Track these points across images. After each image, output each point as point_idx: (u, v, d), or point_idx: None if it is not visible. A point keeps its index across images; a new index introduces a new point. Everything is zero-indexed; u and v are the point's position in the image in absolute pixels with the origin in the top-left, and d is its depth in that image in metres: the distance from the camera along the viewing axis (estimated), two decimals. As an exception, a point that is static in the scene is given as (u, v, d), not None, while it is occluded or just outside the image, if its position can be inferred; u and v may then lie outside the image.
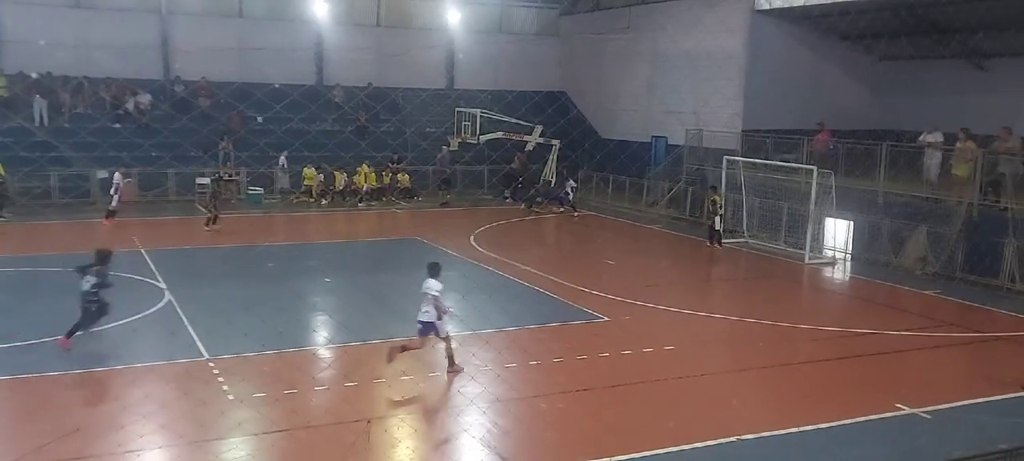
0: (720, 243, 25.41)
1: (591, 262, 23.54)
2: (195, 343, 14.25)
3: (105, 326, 14.38)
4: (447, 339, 13.27)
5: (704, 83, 32.29)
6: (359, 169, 32.79)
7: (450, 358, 13.30)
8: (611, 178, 35.12)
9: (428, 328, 13.09)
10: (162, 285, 18.12)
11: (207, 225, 25.44)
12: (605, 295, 18.52)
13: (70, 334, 13.61)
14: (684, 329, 16.65)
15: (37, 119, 30.88)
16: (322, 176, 32.56)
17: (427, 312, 12.99)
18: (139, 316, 15.77)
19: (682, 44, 33.79)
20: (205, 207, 26.05)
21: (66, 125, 30.86)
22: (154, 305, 16.60)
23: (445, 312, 13.24)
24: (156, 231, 24.10)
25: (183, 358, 13.54)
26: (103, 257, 14.18)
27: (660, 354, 14.85)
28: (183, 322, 15.52)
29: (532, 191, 32.31)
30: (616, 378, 13.49)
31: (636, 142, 36.25)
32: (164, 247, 22.34)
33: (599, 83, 39.10)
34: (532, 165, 35.50)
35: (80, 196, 28.77)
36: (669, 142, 34.69)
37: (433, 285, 13.04)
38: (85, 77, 32.29)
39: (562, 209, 31.91)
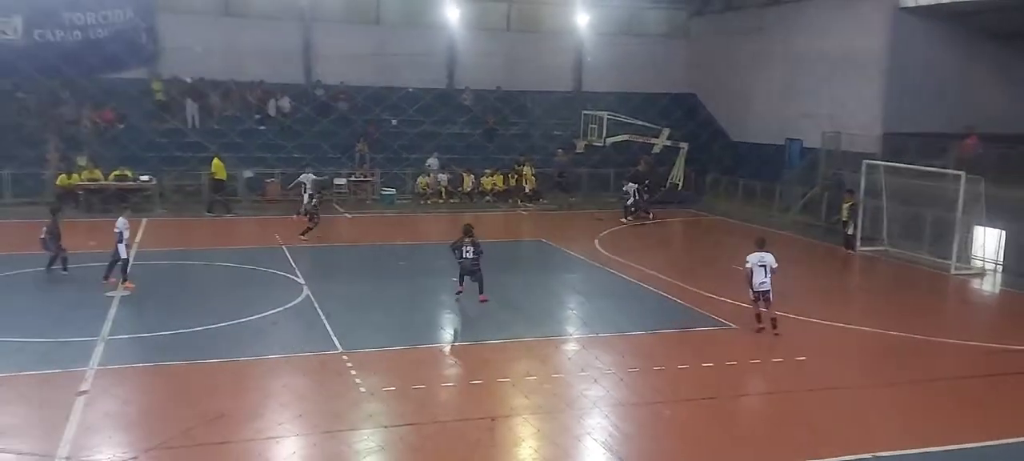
0: (854, 249, 24.39)
1: (719, 268, 23.03)
2: (330, 337, 14.85)
3: (249, 318, 15.25)
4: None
5: (841, 85, 31.11)
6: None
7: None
8: (741, 182, 34.29)
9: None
10: (301, 280, 18.98)
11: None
12: (733, 302, 18.11)
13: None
14: (817, 340, 16.08)
15: (189, 121, 32.97)
16: (448, 177, 33.32)
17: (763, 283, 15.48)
18: (280, 309, 16.59)
19: (818, 45, 32.62)
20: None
21: (215, 127, 32.76)
22: (293, 299, 17.41)
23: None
24: (296, 228, 25.27)
25: (319, 351, 14.14)
26: (468, 230, 17.37)
27: (791, 365, 14.42)
28: (319, 316, 16.20)
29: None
30: (743, 388, 13.21)
31: (769, 145, 35.26)
32: (303, 244, 23.38)
33: (730, 85, 38.25)
34: (659, 168, 35.12)
35: (228, 194, 30.50)
36: (805, 145, 33.58)
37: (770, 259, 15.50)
38: (233, 81, 34.21)
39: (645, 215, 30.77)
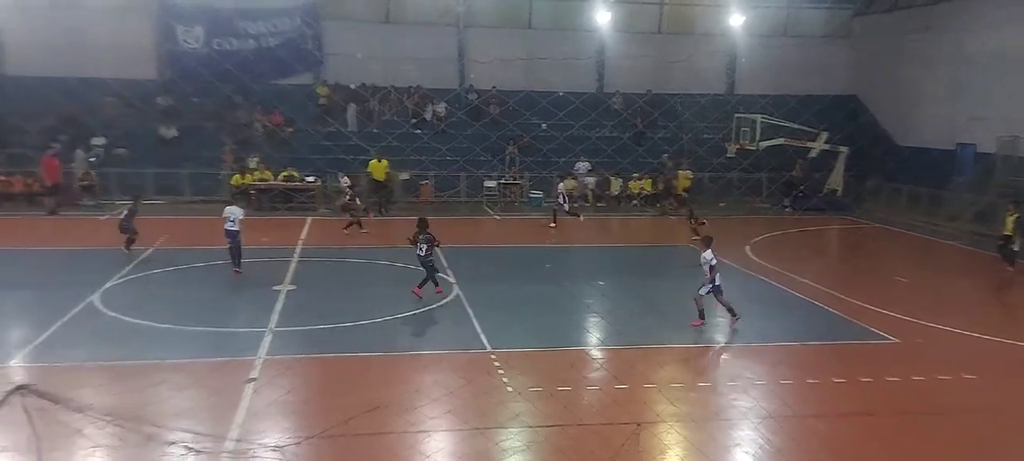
0: (1012, 264, 22.52)
1: (879, 278, 21.98)
2: (479, 336, 15.23)
3: (403, 314, 15.87)
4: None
5: (1018, 85, 28.89)
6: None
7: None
8: (905, 189, 32.49)
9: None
10: (452, 279, 19.54)
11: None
12: (895, 314, 17.23)
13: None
14: (989, 357, 15.06)
15: (350, 124, 34.56)
16: (596, 181, 33.35)
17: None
18: (432, 307, 17.16)
19: (991, 42, 30.47)
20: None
21: (375, 130, 34.16)
22: (444, 298, 17.95)
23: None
24: (449, 229, 26.00)
25: (468, 349, 14.54)
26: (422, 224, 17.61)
27: (958, 383, 13.58)
28: (469, 315, 16.63)
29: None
30: (905, 405, 12.56)
31: (937, 150, 33.24)
32: (455, 244, 24.04)
33: (896, 86, 36.32)
34: (815, 173, 33.80)
35: (387, 195, 31.79)
36: (978, 150, 31.44)
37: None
38: (392, 86, 35.57)
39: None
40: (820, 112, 33.37)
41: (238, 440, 10.41)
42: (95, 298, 16.84)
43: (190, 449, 9.95)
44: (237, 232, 19.10)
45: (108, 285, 17.94)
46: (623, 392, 12.74)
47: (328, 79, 35.83)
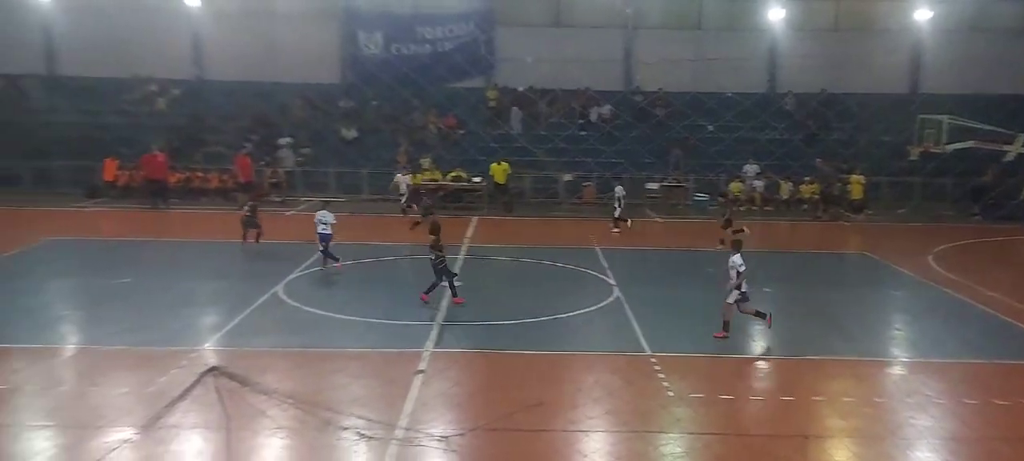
0: None
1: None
2: (639, 338, 15.18)
3: (565, 314, 16.05)
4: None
5: None
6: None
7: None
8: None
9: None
10: (612, 281, 19.55)
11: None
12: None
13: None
14: None
15: (514, 127, 35.22)
16: (764, 184, 32.34)
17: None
18: (592, 308, 17.27)
19: None
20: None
21: (541, 132, 34.66)
22: (604, 299, 18.01)
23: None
24: (608, 231, 26.14)
25: (628, 351, 14.53)
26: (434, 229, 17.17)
27: None
28: (629, 317, 16.60)
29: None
30: (1108, 435, 11.46)
31: None
32: (615, 247, 24.05)
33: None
34: (1008, 179, 31.29)
35: (549, 196, 32.21)
36: None
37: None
38: (560, 89, 35.96)
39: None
40: (1014, 112, 30.86)
41: (407, 428, 10.86)
42: (279, 289, 18.07)
43: (362, 435, 10.51)
44: (330, 235, 19.98)
45: (291, 277, 19.21)
46: (789, 404, 12.36)
47: (497, 82, 36.66)
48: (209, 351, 14.02)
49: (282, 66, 34.64)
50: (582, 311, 16.96)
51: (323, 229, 19.96)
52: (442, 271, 17.14)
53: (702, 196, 32.50)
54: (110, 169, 31.48)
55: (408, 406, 11.68)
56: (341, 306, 16.70)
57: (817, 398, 12.49)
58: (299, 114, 35.78)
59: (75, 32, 35.63)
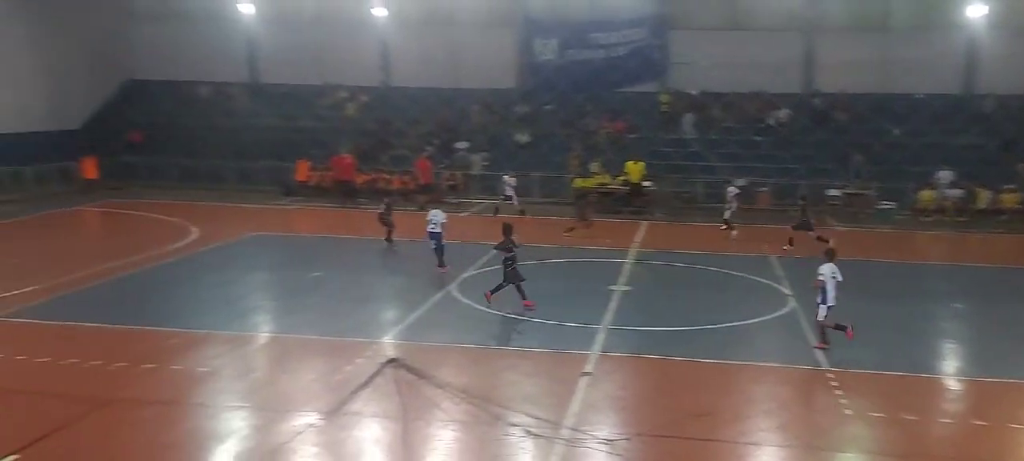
0: None
1: None
2: (814, 351, 14.64)
3: (736, 322, 15.74)
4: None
5: None
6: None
7: None
8: None
9: None
10: (787, 291, 18.92)
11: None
12: None
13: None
14: None
15: (686, 132, 34.73)
16: (959, 193, 30.18)
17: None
18: (765, 318, 16.80)
19: None
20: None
21: (713, 137, 33.99)
22: (779, 309, 17.48)
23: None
24: (782, 240, 25.23)
25: (802, 364, 14.05)
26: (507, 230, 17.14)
27: None
28: (804, 329, 16.02)
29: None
30: None
31: None
32: (792, 255, 23.22)
33: None
34: None
35: (721, 202, 31.47)
36: None
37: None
38: (735, 93, 35.13)
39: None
40: None
41: (573, 429, 11.02)
42: (453, 287, 18.78)
43: (530, 433, 10.80)
44: (440, 234, 20.29)
45: (465, 275, 19.90)
46: (982, 429, 11.52)
47: (671, 87, 36.31)
48: (389, 344, 14.78)
49: (462, 73, 35.94)
50: (754, 320, 16.55)
51: (433, 228, 20.43)
52: (511, 273, 16.97)
53: (888, 204, 30.72)
54: (302, 170, 33.77)
55: (574, 407, 11.84)
56: (511, 306, 17.13)
57: (1015, 425, 11.61)
58: (477, 119, 36.91)
59: (275, 43, 38.55)
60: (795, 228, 23.78)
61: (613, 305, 17.49)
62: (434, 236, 20.53)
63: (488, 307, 16.80)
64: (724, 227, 26.02)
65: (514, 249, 17.01)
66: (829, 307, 14.40)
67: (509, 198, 29.25)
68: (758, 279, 20.18)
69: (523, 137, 35.65)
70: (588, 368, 13.46)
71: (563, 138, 34.97)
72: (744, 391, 12.87)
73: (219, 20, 38.72)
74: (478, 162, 34.34)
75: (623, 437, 10.85)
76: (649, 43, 36.10)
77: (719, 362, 14.15)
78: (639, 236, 25.99)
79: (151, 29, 39.58)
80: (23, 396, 12.02)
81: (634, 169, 31.07)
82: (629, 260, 22.30)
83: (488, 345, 14.80)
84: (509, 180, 29.66)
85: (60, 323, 15.64)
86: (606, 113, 35.75)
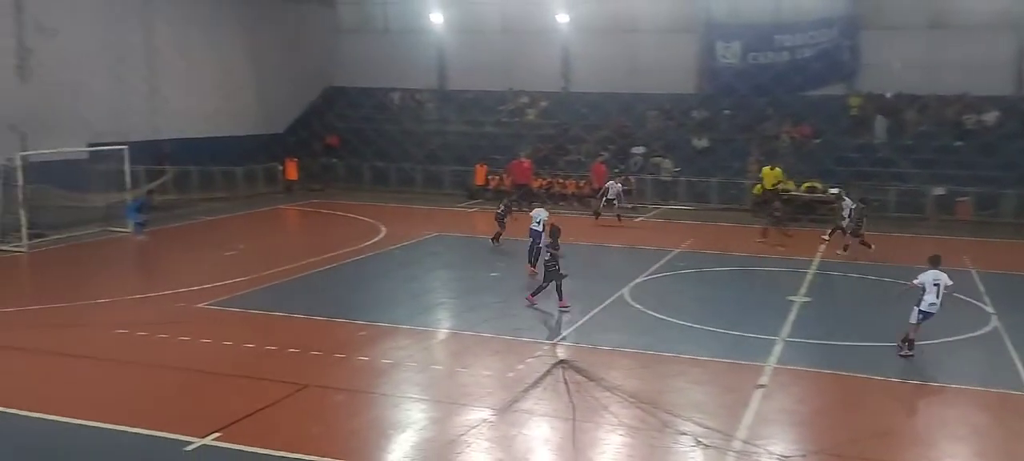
0: None
1: None
2: (1019, 374, 13.58)
3: (926, 341, 14.86)
4: None
5: None
6: None
7: None
8: None
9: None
10: (990, 309, 17.61)
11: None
12: None
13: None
14: None
15: (878, 136, 32.87)
16: None
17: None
18: (961, 337, 15.70)
19: None
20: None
21: (907, 142, 32.01)
22: (979, 328, 16.33)
23: None
24: (989, 253, 23.38)
25: (1003, 387, 13.05)
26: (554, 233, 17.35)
27: None
28: (1008, 350, 14.87)
29: None
30: None
31: None
32: (997, 270, 21.54)
33: None
34: None
35: (915, 211, 29.63)
36: None
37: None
38: (933, 96, 32.92)
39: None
40: None
41: (745, 441, 10.82)
42: (625, 292, 18.83)
43: (700, 442, 10.72)
44: (540, 233, 19.79)
45: (637, 280, 19.90)
46: None
47: (861, 89, 34.56)
48: (560, 345, 15.10)
49: (641, 78, 35.85)
50: (949, 339, 15.44)
51: (535, 226, 20.44)
52: (554, 274, 16.91)
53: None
54: (481, 174, 34.90)
55: (747, 418, 11.63)
56: (684, 312, 17.00)
57: None
58: (654, 124, 36.71)
59: (462, 52, 40.14)
60: (853, 234, 22.88)
61: (792, 316, 16.96)
62: (534, 234, 20.57)
63: (531, 306, 17.21)
64: (826, 237, 24.96)
65: (559, 252, 17.15)
66: (923, 314, 13.97)
67: (613, 202, 28.98)
68: (957, 295, 18.82)
69: (701, 142, 35.06)
70: (763, 380, 13.16)
71: (743, 144, 34.09)
72: (933, 413, 12.19)
73: (413, 32, 40.85)
74: (669, 167, 34.09)
75: (799, 453, 10.56)
76: (838, 44, 34.48)
77: (905, 381, 13.44)
78: (822, 245, 24.95)
79: (352, 40, 42.39)
80: (228, 379, 13.27)
81: (769, 175, 30.09)
82: (811, 270, 21.48)
83: (659, 350, 14.77)
84: (615, 185, 29.44)
85: (264, 312, 17.09)
86: (789, 117, 34.50)
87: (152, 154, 31.28)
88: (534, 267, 19.99)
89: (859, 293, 20.06)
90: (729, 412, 11.89)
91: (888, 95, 33.86)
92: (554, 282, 17.02)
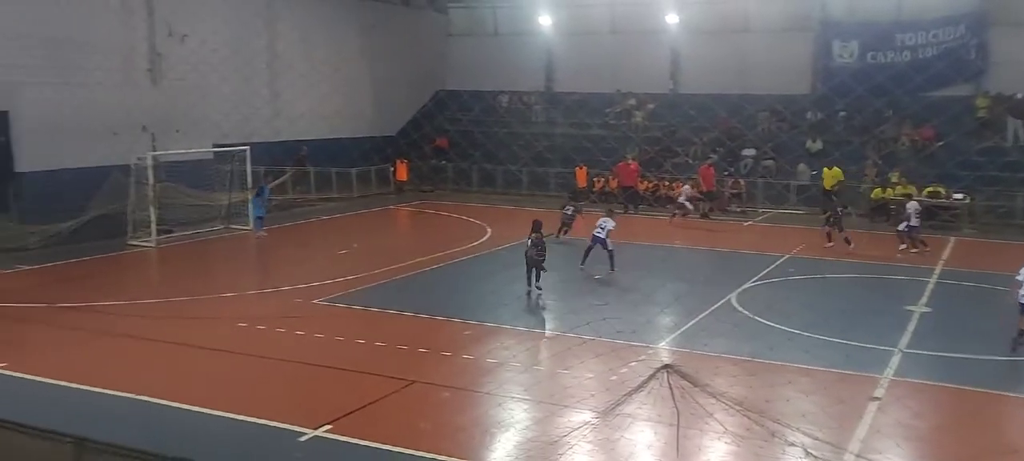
0: None
1: None
2: None
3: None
4: None
5: None
6: None
7: None
8: None
9: None
10: None
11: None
12: None
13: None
14: None
15: (1011, 139, 31.15)
16: None
17: None
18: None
19: None
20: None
21: (1042, 144, 30.29)
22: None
23: None
24: None
25: None
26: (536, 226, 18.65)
27: None
28: None
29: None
30: None
31: None
32: None
33: None
34: None
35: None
36: None
37: None
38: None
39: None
40: None
41: (857, 455, 10.50)
42: (733, 297, 18.49)
43: (809, 454, 10.41)
44: (604, 239, 20.68)
45: (746, 286, 19.52)
46: None
47: (989, 89, 32.82)
48: (664, 349, 14.99)
49: (752, 79, 35.12)
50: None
51: (598, 232, 20.98)
52: (530, 260, 18.34)
53: None
54: (581, 176, 34.91)
55: (860, 431, 11.27)
56: (794, 319, 16.56)
57: None
58: (765, 125, 35.89)
59: (570, 54, 40.33)
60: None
61: (911, 326, 16.30)
62: (597, 239, 20.98)
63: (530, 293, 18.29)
64: (903, 247, 23.83)
65: (542, 243, 18.55)
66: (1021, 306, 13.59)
67: (683, 207, 28.73)
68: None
69: (814, 145, 34.03)
70: (878, 392, 12.72)
71: (858, 146, 32.87)
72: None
73: (522, 35, 41.32)
74: (806, 171, 33.24)
75: (912, 469, 10.20)
76: (964, 42, 32.85)
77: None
78: (946, 253, 23.85)
79: (462, 44, 43.24)
80: (339, 373, 13.74)
81: (829, 176, 29.22)
82: (932, 279, 20.56)
83: (767, 358, 14.42)
84: (687, 189, 29.02)
85: (375, 309, 17.64)
86: (909, 119, 33.08)
87: (290, 154, 33.39)
88: (583, 266, 21.40)
89: (984, 303, 19.06)
90: (841, 424, 11.52)
91: (1020, 96, 32.04)
92: (531, 267, 18.45)
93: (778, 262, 22.20)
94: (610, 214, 22.17)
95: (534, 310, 18.09)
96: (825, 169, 30.27)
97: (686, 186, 29.85)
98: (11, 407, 10.36)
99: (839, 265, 21.91)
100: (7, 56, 24.73)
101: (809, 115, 35.50)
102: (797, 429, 11.10)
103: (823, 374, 13.65)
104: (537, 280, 18.44)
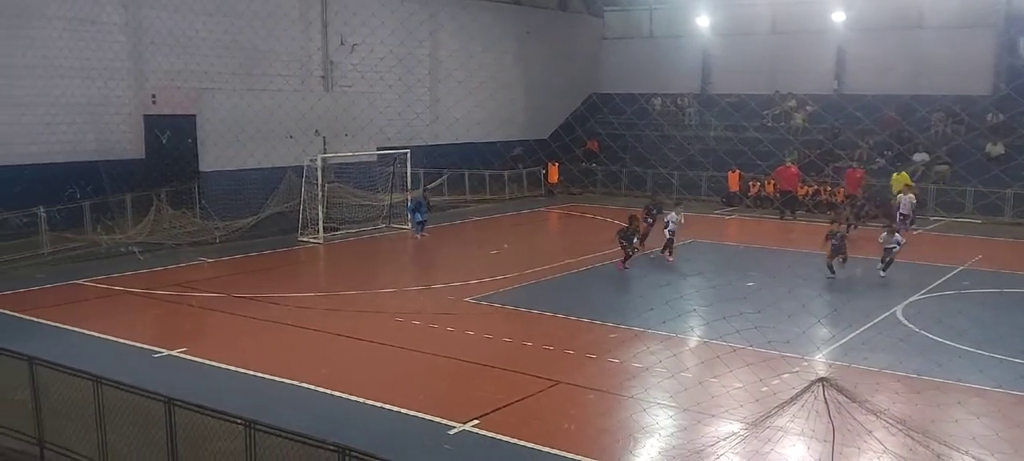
0: None
1: None
2: None
3: None
4: None
5: None
6: None
7: None
8: None
9: None
10: None
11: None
12: None
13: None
14: None
15: None
16: None
17: None
18: None
19: None
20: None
21: None
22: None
23: None
24: None
25: None
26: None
27: None
28: None
29: None
30: None
31: None
32: None
33: None
34: None
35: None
36: None
37: None
38: None
39: None
40: None
41: (1033, 484, 9.85)
42: (898, 310, 17.56)
43: (985, 479, 9.83)
44: (673, 233, 22.80)
45: (913, 298, 18.48)
46: None
47: None
48: (820, 362, 14.43)
49: (924, 78, 33.22)
50: None
51: (671, 226, 22.90)
52: (626, 236, 21.65)
53: None
54: (733, 180, 34.04)
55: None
56: (965, 336, 15.50)
57: None
58: (938, 128, 33.74)
59: (727, 55, 39.49)
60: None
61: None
62: (671, 233, 22.90)
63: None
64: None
65: (636, 235, 21.84)
66: None
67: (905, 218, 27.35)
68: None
69: (995, 149, 31.65)
70: (1053, 417, 11.77)
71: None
72: None
73: (677, 37, 40.96)
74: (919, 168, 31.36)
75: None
76: None
77: None
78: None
79: (616, 47, 43.22)
80: (488, 370, 14.09)
81: (897, 180, 27.98)
82: None
83: (933, 376, 13.60)
84: (910, 198, 27.66)
85: (523, 309, 17.99)
86: None
87: (504, 155, 36.01)
88: (671, 257, 23.07)
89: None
90: (1015, 450, 10.80)
91: None
92: (622, 243, 21.74)
93: (951, 274, 20.88)
94: (677, 205, 24.11)
95: (682, 315, 17.83)
96: (895, 174, 29.43)
97: (909, 196, 28.43)
98: (189, 389, 11.27)
99: (1019, 279, 20.31)
100: (198, 64, 26.98)
101: (990, 117, 33.09)
102: (966, 452, 10.48)
103: (998, 395, 12.79)
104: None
